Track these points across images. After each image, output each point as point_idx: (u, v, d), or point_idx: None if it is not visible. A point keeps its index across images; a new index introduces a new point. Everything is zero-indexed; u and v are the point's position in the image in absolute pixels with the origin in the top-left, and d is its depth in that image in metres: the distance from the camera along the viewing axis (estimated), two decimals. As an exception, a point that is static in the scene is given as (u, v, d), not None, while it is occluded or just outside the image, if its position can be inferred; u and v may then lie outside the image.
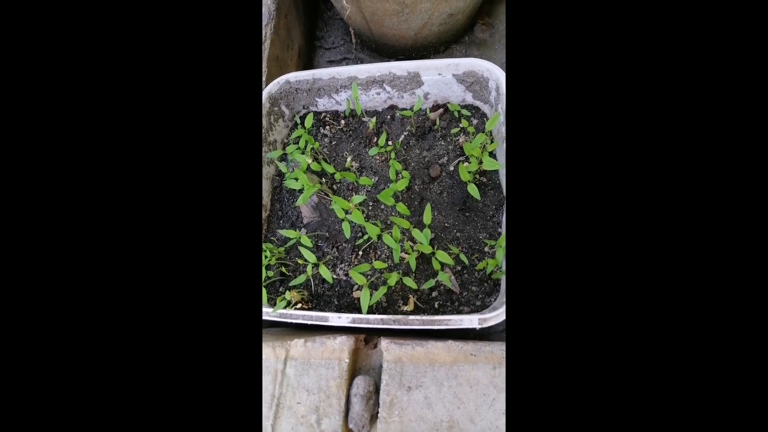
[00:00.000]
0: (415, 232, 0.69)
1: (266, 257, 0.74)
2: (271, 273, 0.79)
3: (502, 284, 0.73)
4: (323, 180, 0.88)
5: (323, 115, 0.98)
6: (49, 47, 0.34)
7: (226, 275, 0.37)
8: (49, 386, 0.32)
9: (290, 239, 0.81)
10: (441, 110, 0.92)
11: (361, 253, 0.79)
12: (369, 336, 0.77)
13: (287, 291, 0.73)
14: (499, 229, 0.78)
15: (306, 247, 0.73)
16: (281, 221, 0.89)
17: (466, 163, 0.81)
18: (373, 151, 0.84)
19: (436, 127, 0.91)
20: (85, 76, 0.35)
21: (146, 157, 0.36)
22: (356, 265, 0.76)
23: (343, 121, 0.97)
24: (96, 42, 0.35)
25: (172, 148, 0.37)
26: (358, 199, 0.70)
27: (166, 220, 0.36)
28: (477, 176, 0.82)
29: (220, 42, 0.38)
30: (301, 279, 0.72)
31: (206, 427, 0.34)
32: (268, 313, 0.70)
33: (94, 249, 0.34)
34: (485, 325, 0.65)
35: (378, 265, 0.68)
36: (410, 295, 0.73)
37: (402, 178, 0.74)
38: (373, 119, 0.91)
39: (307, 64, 1.29)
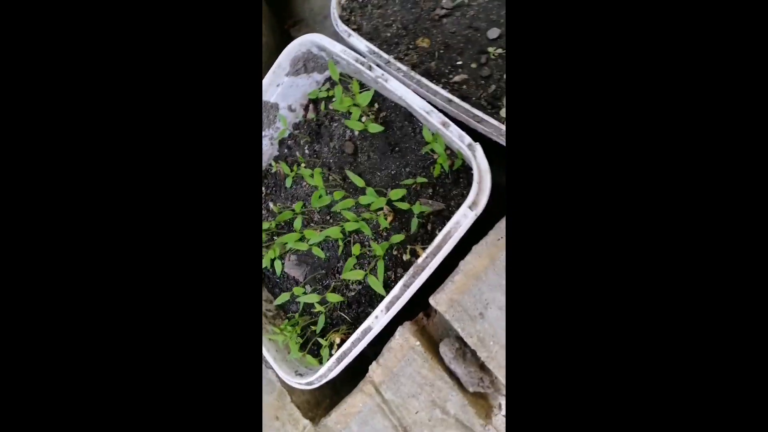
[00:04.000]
0: (362, 199, 0.67)
1: (279, 330, 0.72)
2: (295, 343, 0.76)
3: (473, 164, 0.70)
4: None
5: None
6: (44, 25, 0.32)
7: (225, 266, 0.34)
8: (45, 375, 0.31)
9: (284, 299, 0.79)
10: (310, 105, 0.93)
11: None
12: (425, 312, 0.73)
13: (323, 337, 0.70)
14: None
15: (309, 302, 0.71)
16: (276, 290, 0.87)
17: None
18: (288, 182, 0.84)
19: (318, 121, 0.91)
20: (84, 61, 0.33)
21: (143, 140, 0.34)
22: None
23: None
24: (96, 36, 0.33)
25: (166, 135, 0.34)
26: (294, 235, 0.69)
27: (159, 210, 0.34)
28: (371, 116, 0.81)
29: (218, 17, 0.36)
30: (321, 323, 0.70)
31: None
32: (318, 373, 0.67)
33: (89, 241, 0.33)
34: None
35: (356, 250, 0.66)
36: (409, 246, 0.70)
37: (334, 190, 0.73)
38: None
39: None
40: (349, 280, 0.72)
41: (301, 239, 0.69)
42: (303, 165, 0.88)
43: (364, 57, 0.76)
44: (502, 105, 0.68)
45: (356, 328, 0.74)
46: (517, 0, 0.36)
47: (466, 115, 0.68)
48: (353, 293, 0.76)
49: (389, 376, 0.68)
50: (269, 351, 0.74)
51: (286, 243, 0.69)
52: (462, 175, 0.73)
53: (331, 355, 0.68)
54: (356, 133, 0.84)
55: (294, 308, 0.83)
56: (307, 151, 0.91)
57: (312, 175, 0.72)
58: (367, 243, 0.75)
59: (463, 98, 0.71)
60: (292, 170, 0.84)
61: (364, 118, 0.80)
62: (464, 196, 0.72)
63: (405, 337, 0.68)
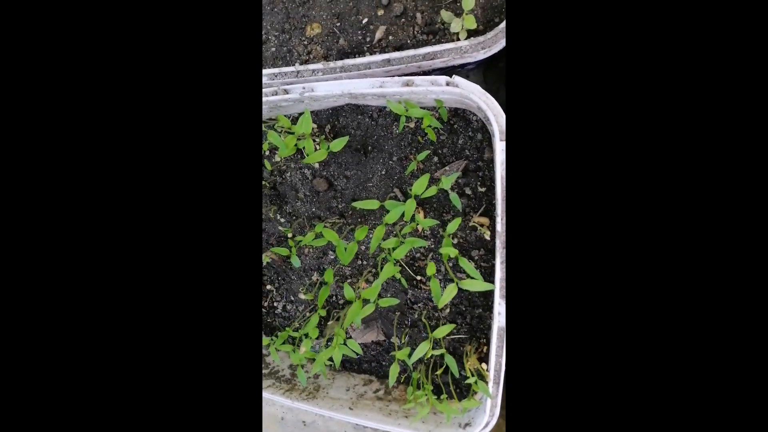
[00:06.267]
0: (387, 218, 0.55)
1: (411, 401, 0.59)
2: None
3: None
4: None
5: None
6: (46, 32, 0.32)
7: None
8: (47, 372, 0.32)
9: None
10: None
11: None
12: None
13: (461, 376, 0.58)
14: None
15: (421, 355, 0.59)
16: (364, 366, 0.74)
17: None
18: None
19: (270, 185, 0.77)
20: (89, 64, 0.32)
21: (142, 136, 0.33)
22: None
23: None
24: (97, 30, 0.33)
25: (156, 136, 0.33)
26: (355, 306, 0.56)
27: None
28: (321, 140, 0.68)
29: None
30: (451, 362, 0.58)
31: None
32: (486, 408, 0.55)
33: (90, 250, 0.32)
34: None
35: (431, 269, 0.54)
36: (472, 222, 0.59)
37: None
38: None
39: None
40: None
41: (364, 303, 0.56)
42: (291, 236, 0.74)
43: (270, 87, 0.63)
44: (445, 23, 0.58)
45: (480, 338, 0.63)
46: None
47: (415, 62, 0.57)
48: (448, 309, 0.64)
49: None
50: (419, 430, 0.62)
51: (345, 323, 0.56)
52: (453, 120, 0.63)
53: (485, 381, 0.56)
54: (317, 166, 0.72)
55: (406, 369, 0.70)
56: (282, 220, 0.77)
57: (318, 235, 0.59)
58: (422, 257, 0.64)
59: (399, 48, 0.60)
60: (288, 248, 0.70)
61: (317, 147, 0.67)
62: (472, 138, 0.62)
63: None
